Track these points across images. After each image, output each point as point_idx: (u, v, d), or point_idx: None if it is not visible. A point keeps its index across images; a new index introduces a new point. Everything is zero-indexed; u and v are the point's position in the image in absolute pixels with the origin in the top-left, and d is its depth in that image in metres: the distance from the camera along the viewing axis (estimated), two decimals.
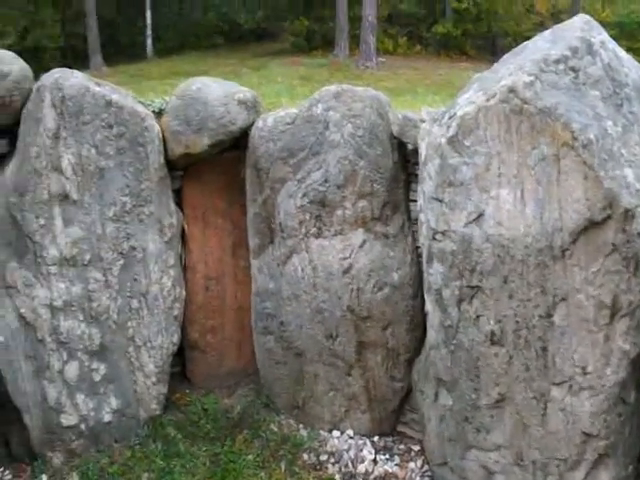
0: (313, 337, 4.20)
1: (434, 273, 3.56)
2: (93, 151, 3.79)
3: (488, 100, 3.07)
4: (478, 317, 3.44)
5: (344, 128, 3.82)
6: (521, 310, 3.27)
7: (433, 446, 4.03)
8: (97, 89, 3.79)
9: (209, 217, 4.45)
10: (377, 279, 4.02)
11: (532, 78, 2.95)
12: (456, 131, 3.20)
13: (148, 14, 20.46)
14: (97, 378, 4.10)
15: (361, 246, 3.98)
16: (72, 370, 4.01)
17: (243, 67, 13.23)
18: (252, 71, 12.61)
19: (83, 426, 4.12)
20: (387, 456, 4.37)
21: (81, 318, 3.95)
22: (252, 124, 4.11)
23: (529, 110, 2.96)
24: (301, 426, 4.50)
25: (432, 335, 3.77)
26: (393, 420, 4.45)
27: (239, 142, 4.18)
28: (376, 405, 4.36)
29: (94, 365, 4.07)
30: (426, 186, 3.45)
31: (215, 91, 4.04)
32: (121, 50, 21.34)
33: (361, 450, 4.39)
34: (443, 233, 3.40)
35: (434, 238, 3.47)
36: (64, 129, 3.71)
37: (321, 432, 4.46)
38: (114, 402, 4.19)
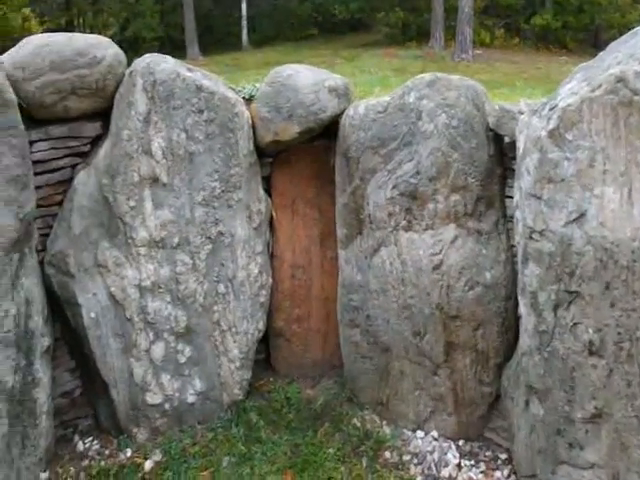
0: (400, 333, 4.05)
1: (529, 275, 3.32)
2: (183, 135, 3.80)
3: (593, 91, 2.79)
4: (576, 324, 3.17)
5: (438, 118, 3.62)
6: (624, 320, 2.98)
7: (522, 457, 3.80)
8: (188, 74, 3.79)
9: (297, 205, 4.38)
10: (468, 277, 3.81)
11: None
12: (557, 124, 2.94)
13: (244, 5, 20.92)
14: (182, 360, 4.15)
15: (453, 242, 3.78)
16: (158, 350, 4.07)
17: (337, 58, 13.21)
18: (346, 62, 12.57)
19: (167, 405, 4.18)
20: (472, 462, 4.16)
21: (168, 300, 4.00)
22: (343, 112, 3.98)
23: None
24: (384, 423, 4.37)
25: (525, 340, 3.54)
26: (480, 425, 4.24)
27: (329, 130, 4.06)
28: (463, 408, 4.16)
29: (179, 347, 4.12)
30: (523, 182, 3.21)
31: (305, 78, 3.94)
32: (217, 40, 21.90)
33: (445, 453, 4.21)
34: (540, 232, 3.15)
35: (531, 237, 3.23)
36: (155, 113, 3.73)
37: (405, 431, 4.31)
38: (198, 384, 4.23)
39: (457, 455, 4.19)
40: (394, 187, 3.79)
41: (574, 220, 2.99)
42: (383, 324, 4.10)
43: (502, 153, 3.75)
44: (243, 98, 4.02)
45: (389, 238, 3.92)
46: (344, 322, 4.31)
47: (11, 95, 3.38)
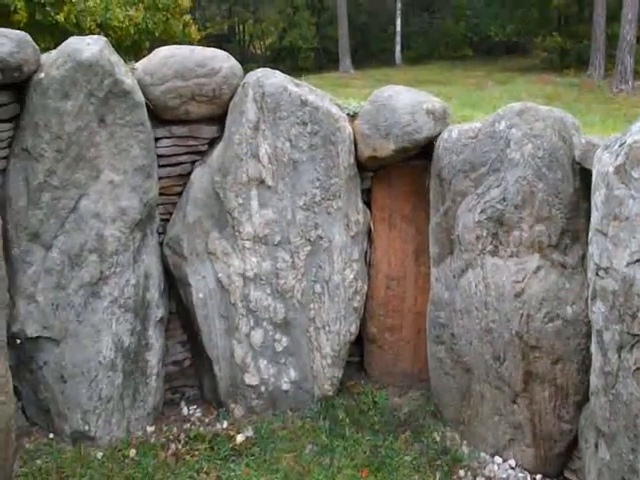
0: (481, 355, 4.11)
1: (597, 312, 3.27)
2: (287, 144, 4.21)
3: None
4: (638, 369, 3.07)
5: (524, 147, 3.66)
6: None
7: None
8: (294, 89, 4.20)
9: (395, 220, 4.61)
10: (549, 309, 3.78)
11: None
12: (624, 160, 2.89)
13: (398, 21, 20.88)
14: (279, 349, 4.55)
15: (535, 272, 3.78)
16: (257, 336, 4.51)
17: (489, 80, 12.91)
18: (497, 85, 12.27)
19: (263, 388, 4.60)
20: None
21: (268, 292, 4.43)
22: (439, 134, 4.13)
23: None
24: (464, 443, 4.44)
25: (593, 380, 3.46)
26: (559, 463, 4.15)
27: (427, 151, 4.23)
28: (541, 442, 4.10)
29: (277, 336, 4.52)
30: (593, 217, 3.17)
31: (404, 99, 4.18)
32: (372, 55, 22.08)
33: None
34: (606, 270, 3.10)
35: (597, 274, 3.19)
36: (263, 122, 4.19)
37: (482, 454, 4.34)
38: (292, 374, 4.60)
39: None
40: (482, 211, 3.88)
41: (637, 260, 2.92)
42: (466, 344, 4.17)
43: (589, 187, 3.68)
44: (347, 114, 4.34)
45: (476, 261, 4.00)
46: (431, 337, 4.44)
47: (140, 97, 4.05)
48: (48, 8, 13.13)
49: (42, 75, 3.79)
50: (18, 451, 4.08)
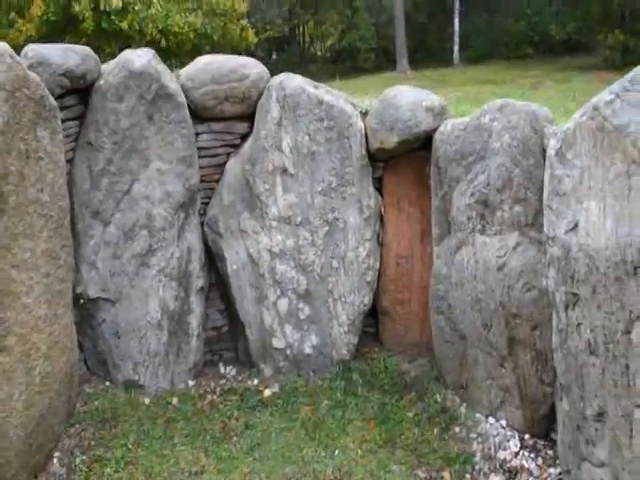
0: (473, 323, 4.65)
1: (550, 277, 3.80)
2: (306, 138, 4.92)
3: (581, 117, 3.27)
4: (579, 325, 3.57)
5: (503, 138, 4.21)
6: (607, 323, 3.35)
7: (560, 452, 4.17)
8: (312, 90, 4.92)
9: (403, 204, 5.23)
10: (526, 280, 4.29)
11: (613, 96, 3.09)
12: (561, 144, 3.44)
13: (456, 21, 20.56)
14: (302, 316, 5.21)
15: (515, 248, 4.31)
16: (283, 305, 5.20)
17: (547, 80, 12.84)
18: (554, 84, 12.17)
19: (288, 351, 5.26)
20: (532, 455, 4.55)
21: (292, 265, 5.11)
22: (437, 128, 4.74)
23: (607, 127, 3.10)
24: (463, 405, 4.94)
25: (554, 339, 3.95)
26: (545, 424, 4.59)
27: (429, 142, 4.84)
28: (528, 404, 4.58)
29: (300, 305, 5.19)
30: (544, 194, 3.72)
31: (407, 98, 4.84)
32: (430, 55, 21.82)
33: (508, 440, 4.66)
34: (552, 239, 3.64)
35: (548, 243, 3.72)
36: (285, 119, 4.91)
37: (478, 415, 4.84)
38: (314, 339, 5.25)
39: (518, 445, 4.61)
40: (471, 195, 4.44)
41: (571, 229, 3.45)
42: (460, 314, 4.73)
43: None
44: (360, 112, 5.03)
45: (468, 239, 4.57)
46: (433, 309, 5.01)
47: (182, 98, 4.87)
48: (113, 17, 14.27)
49: (102, 82, 4.64)
50: (80, 394, 4.88)
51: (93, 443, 4.58)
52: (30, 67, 4.01)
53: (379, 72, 19.67)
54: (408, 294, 5.35)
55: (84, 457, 4.42)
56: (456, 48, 21.32)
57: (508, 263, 4.36)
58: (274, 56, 26.81)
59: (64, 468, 4.40)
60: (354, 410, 4.96)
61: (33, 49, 4.29)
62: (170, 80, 4.80)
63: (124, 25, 14.30)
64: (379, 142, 4.92)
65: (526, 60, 20.08)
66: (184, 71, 5.05)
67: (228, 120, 5.10)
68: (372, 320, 5.52)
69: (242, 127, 5.16)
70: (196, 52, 14.98)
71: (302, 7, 25.60)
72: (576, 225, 3.41)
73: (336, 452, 4.60)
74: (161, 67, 4.76)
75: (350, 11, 23.87)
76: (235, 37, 17.10)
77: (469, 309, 4.65)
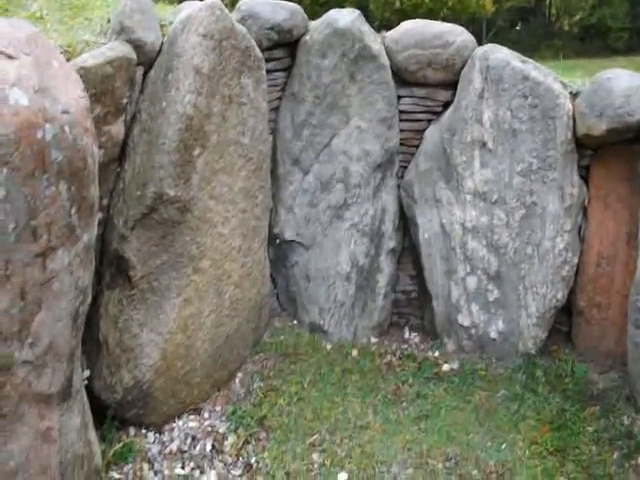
0: None
1: None
2: (508, 113, 4.56)
3: None
4: None
5: None
6: None
7: None
8: (517, 64, 4.52)
9: (610, 200, 4.61)
10: None
11: None
12: None
13: None
14: (490, 298, 4.97)
15: None
16: (472, 283, 5.00)
17: None
18: None
19: (473, 331, 5.08)
20: None
21: (484, 243, 4.87)
22: None
23: None
24: None
25: None
26: None
27: None
28: None
29: (490, 287, 4.95)
30: None
31: (622, 82, 4.22)
32: None
33: None
34: None
35: None
36: (487, 91, 4.60)
37: None
38: (500, 325, 4.99)
39: None
40: None
41: None
42: None
43: None
44: (570, 92, 4.48)
45: None
46: (631, 320, 4.38)
47: (385, 60, 4.85)
48: None
49: (307, 37, 4.82)
50: (269, 326, 5.31)
51: (272, 374, 4.97)
52: (241, 20, 4.37)
53: (632, 55, 17.00)
54: (607, 298, 4.76)
55: (262, 384, 4.82)
56: None
57: None
58: (517, 27, 25.47)
59: (244, 389, 4.87)
60: (530, 408, 4.66)
61: (246, 3, 4.62)
62: (374, 41, 4.81)
63: None
64: (586, 128, 4.40)
65: None
66: (389, 34, 5.00)
67: (431, 86, 4.96)
68: (565, 318, 5.05)
69: (445, 95, 4.98)
70: (432, 17, 15.03)
71: None
72: None
73: (503, 446, 4.39)
74: (365, 28, 4.78)
75: None
76: (472, 4, 16.35)
77: None
